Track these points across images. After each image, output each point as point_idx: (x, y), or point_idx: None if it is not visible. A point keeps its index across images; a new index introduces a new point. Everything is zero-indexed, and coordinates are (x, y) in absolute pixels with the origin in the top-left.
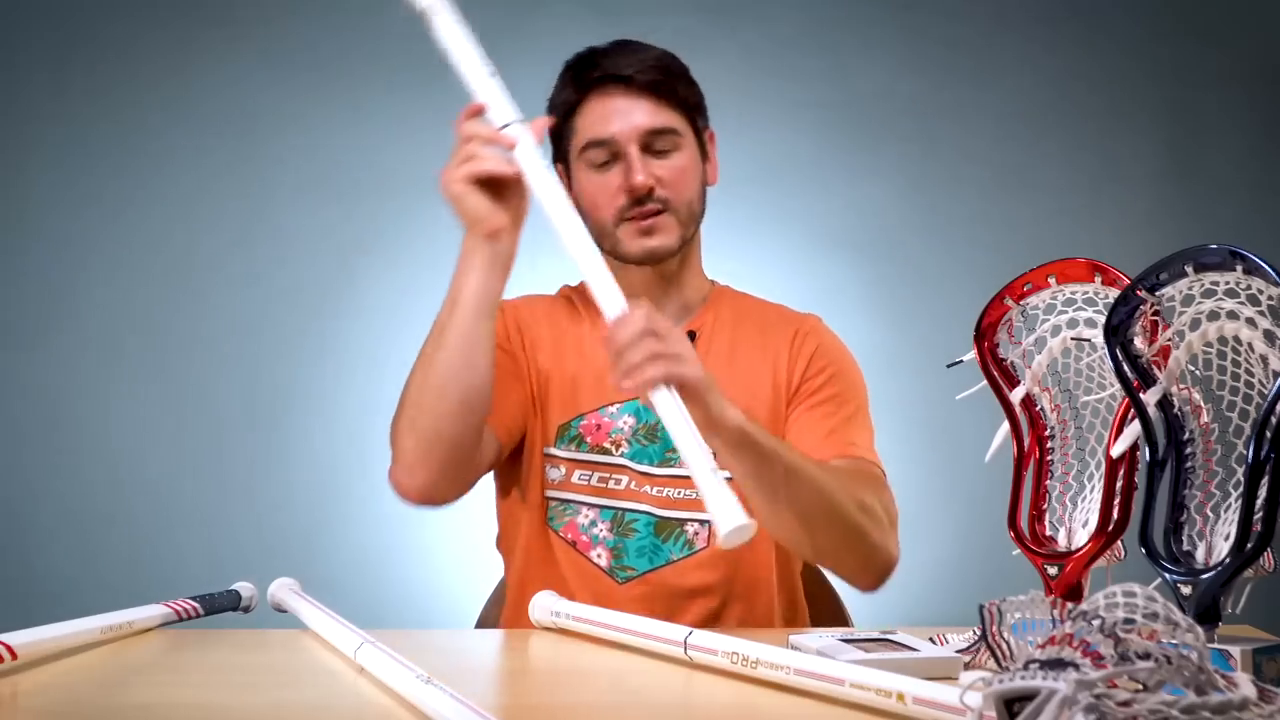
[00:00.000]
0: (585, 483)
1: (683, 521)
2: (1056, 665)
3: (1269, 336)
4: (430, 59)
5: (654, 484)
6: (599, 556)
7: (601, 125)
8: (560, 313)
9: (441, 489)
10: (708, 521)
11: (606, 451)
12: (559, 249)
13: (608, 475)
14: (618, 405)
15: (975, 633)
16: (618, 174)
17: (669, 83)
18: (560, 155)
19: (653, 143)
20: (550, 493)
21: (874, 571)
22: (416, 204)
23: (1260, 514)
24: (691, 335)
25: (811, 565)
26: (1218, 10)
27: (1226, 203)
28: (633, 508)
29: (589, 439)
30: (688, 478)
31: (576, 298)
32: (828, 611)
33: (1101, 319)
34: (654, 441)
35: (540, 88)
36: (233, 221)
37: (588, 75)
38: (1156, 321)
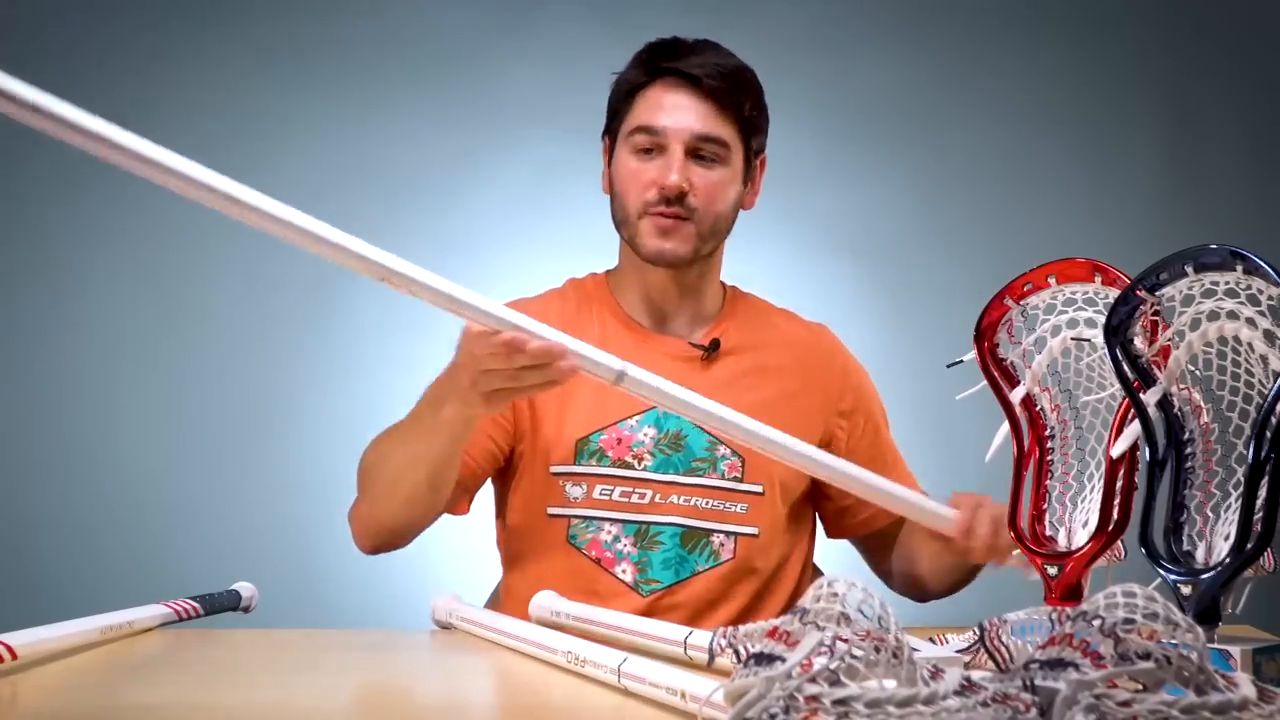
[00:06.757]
0: (607, 498)
1: (709, 532)
2: (1055, 665)
3: (1269, 336)
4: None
5: (681, 493)
6: (624, 572)
7: (656, 114)
8: (569, 316)
9: (391, 548)
10: (734, 533)
11: (629, 466)
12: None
13: (630, 490)
14: (637, 417)
15: (975, 633)
16: (656, 167)
17: (735, 95)
18: (610, 129)
19: (700, 148)
20: (573, 510)
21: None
22: (412, 206)
23: (1260, 514)
24: (715, 344)
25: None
26: (1218, 10)
27: (1226, 203)
28: (657, 520)
29: (610, 453)
30: (715, 487)
31: (582, 292)
32: None
33: (1101, 319)
34: (678, 450)
35: (540, 88)
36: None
37: (659, 62)
38: (1156, 321)
